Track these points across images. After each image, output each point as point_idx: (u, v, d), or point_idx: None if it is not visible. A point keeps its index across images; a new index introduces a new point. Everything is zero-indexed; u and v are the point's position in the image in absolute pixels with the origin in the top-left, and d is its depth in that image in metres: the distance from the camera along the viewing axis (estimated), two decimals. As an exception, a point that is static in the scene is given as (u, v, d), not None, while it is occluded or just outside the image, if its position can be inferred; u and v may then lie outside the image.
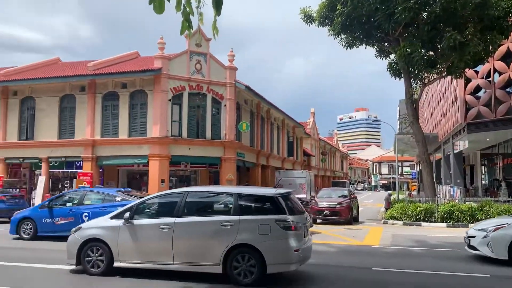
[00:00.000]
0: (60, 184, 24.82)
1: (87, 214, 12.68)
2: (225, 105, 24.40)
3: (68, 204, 13.32)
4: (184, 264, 7.42)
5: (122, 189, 15.31)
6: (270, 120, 33.37)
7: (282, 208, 7.30)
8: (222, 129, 24.32)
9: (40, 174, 24.17)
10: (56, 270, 8.44)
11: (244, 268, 7.10)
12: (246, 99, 27.85)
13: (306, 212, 8.18)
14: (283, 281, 7.62)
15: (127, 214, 7.83)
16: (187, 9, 3.58)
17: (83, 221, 12.37)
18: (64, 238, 12.62)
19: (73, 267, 8.18)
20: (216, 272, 7.26)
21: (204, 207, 8.04)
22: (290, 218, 7.20)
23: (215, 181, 26.11)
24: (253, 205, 7.66)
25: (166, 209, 7.98)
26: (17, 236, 13.26)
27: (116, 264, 7.78)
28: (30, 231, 13.16)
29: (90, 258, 7.90)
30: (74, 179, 23.53)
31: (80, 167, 23.64)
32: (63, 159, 24.18)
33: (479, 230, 10.19)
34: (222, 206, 7.86)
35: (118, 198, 12.94)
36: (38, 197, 22.45)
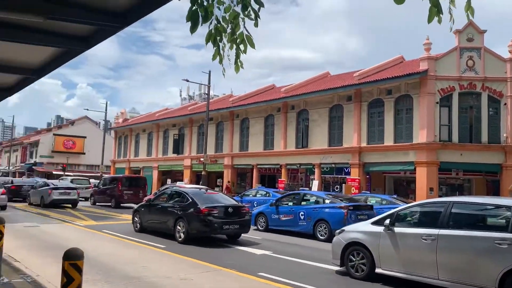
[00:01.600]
0: (331, 188, 26.74)
1: (302, 213, 14.31)
2: (505, 104, 21.10)
3: (290, 203, 15.21)
4: (450, 281, 6.71)
5: (332, 193, 16.90)
6: None
7: None
8: (502, 131, 21.08)
9: (314, 179, 26.65)
10: (322, 269, 9.05)
11: (528, 298, 5.86)
12: (535, 94, 23.29)
13: None
14: None
15: (387, 221, 7.69)
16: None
17: (299, 219, 14.37)
18: (286, 232, 14.81)
19: (338, 268, 8.60)
20: (490, 296, 6.26)
21: (472, 220, 7.10)
22: None
23: (495, 191, 22.79)
24: (540, 222, 6.26)
25: (428, 219, 7.46)
26: (255, 227, 15.52)
27: (377, 270, 7.74)
28: (263, 224, 15.49)
29: (353, 262, 8.12)
30: (343, 184, 24.91)
31: (348, 173, 24.86)
32: (333, 165, 25.95)
33: None
34: (497, 220, 6.74)
35: (327, 201, 14.21)
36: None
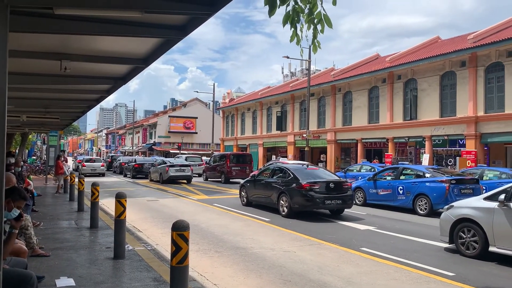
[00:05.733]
0: (444, 162, 25.04)
1: (401, 187, 14.07)
2: None
3: (388, 178, 15.09)
4: None
5: (435, 167, 16.05)
6: None
7: None
8: None
9: (424, 152, 25.15)
10: (431, 246, 8.65)
11: None
12: None
13: None
14: None
15: (502, 196, 7.09)
16: None
17: (398, 194, 14.13)
18: (383, 207, 14.65)
19: (447, 245, 8.18)
20: None
21: None
22: None
23: None
24: None
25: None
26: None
27: (491, 248, 7.20)
28: (361, 199, 15.51)
29: (463, 240, 7.66)
30: (457, 158, 23.14)
31: (463, 145, 23.00)
32: (446, 137, 24.20)
33: None
34: None
35: (427, 175, 13.68)
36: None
